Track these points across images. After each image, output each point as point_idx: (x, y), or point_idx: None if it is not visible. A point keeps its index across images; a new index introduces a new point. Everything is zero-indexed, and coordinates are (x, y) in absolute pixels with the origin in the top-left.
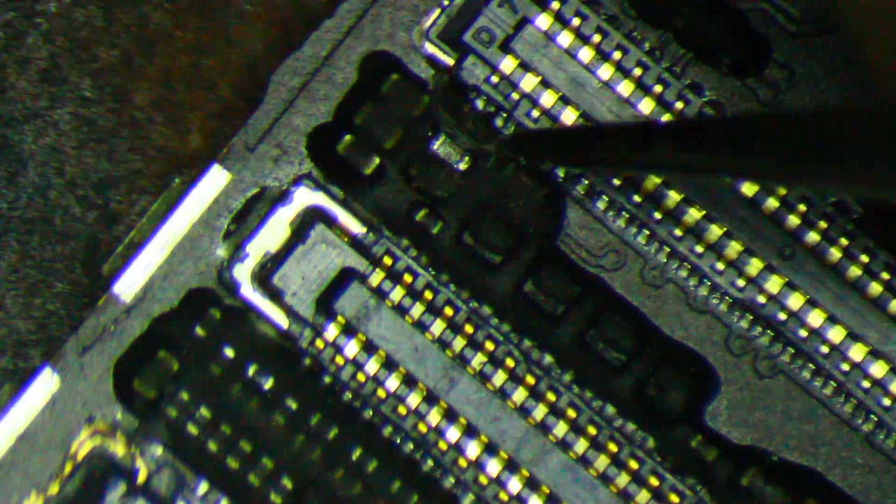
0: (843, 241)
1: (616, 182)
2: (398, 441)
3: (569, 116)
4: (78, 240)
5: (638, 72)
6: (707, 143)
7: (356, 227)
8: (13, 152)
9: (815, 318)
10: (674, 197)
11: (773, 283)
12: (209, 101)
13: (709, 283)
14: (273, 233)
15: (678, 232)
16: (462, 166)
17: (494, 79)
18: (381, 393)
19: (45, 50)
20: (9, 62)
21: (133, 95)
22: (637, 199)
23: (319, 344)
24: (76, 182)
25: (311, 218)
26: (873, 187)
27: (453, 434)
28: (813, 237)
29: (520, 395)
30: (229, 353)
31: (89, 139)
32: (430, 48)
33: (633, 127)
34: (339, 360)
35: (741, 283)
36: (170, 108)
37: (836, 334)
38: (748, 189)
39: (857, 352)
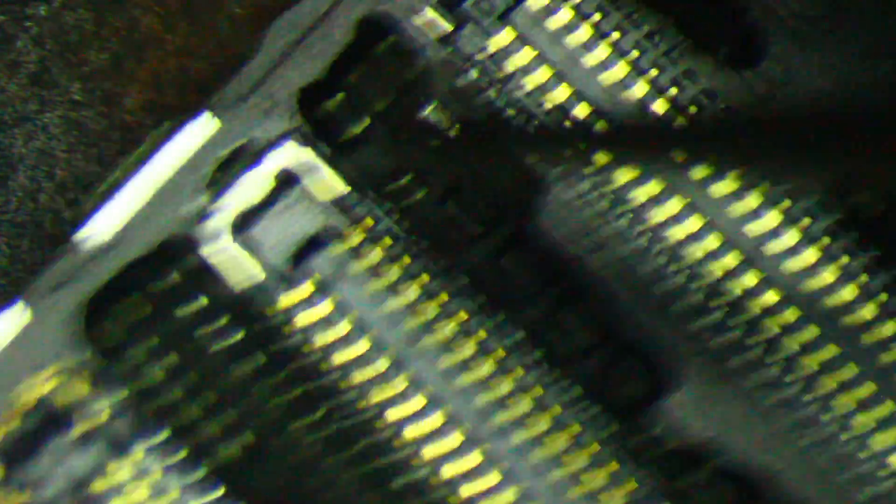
0: (825, 241)
1: (598, 164)
2: (362, 405)
3: (562, 93)
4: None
5: (635, 54)
6: None
7: (340, 186)
8: (3, 156)
9: (788, 316)
10: (655, 185)
11: (749, 279)
12: (199, 105)
13: (685, 274)
14: (256, 185)
15: (658, 218)
16: (451, 134)
17: (491, 49)
18: (349, 354)
19: (34, 53)
20: None
21: (123, 99)
22: (620, 182)
23: (293, 300)
24: (66, 186)
25: (296, 173)
26: None
27: (418, 402)
28: (793, 235)
29: (488, 367)
30: (202, 301)
31: (79, 143)
32: (430, 13)
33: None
34: (312, 317)
35: (718, 273)
36: (160, 112)
37: (807, 334)
38: (727, 186)
39: (827, 353)
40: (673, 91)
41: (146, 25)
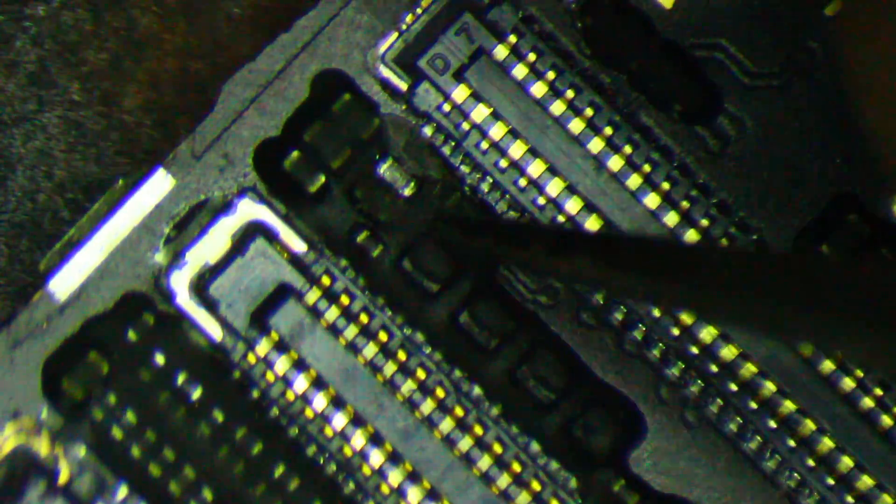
0: None
1: (561, 219)
2: (321, 462)
3: (517, 150)
4: None
5: (589, 112)
6: (625, 262)
7: (297, 243)
8: (2, 156)
9: (747, 371)
10: None
11: (707, 334)
12: (198, 105)
13: (643, 329)
14: (213, 243)
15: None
16: (407, 192)
17: (446, 107)
18: (308, 412)
19: (33, 53)
20: None
21: (122, 99)
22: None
23: (251, 358)
24: (65, 185)
25: (253, 231)
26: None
27: (377, 459)
28: None
29: (447, 425)
30: (160, 359)
31: (78, 143)
32: (384, 71)
33: (555, 232)
34: (270, 376)
35: (675, 331)
36: (158, 112)
37: (766, 390)
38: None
39: (786, 409)
40: (628, 149)
41: (145, 25)
